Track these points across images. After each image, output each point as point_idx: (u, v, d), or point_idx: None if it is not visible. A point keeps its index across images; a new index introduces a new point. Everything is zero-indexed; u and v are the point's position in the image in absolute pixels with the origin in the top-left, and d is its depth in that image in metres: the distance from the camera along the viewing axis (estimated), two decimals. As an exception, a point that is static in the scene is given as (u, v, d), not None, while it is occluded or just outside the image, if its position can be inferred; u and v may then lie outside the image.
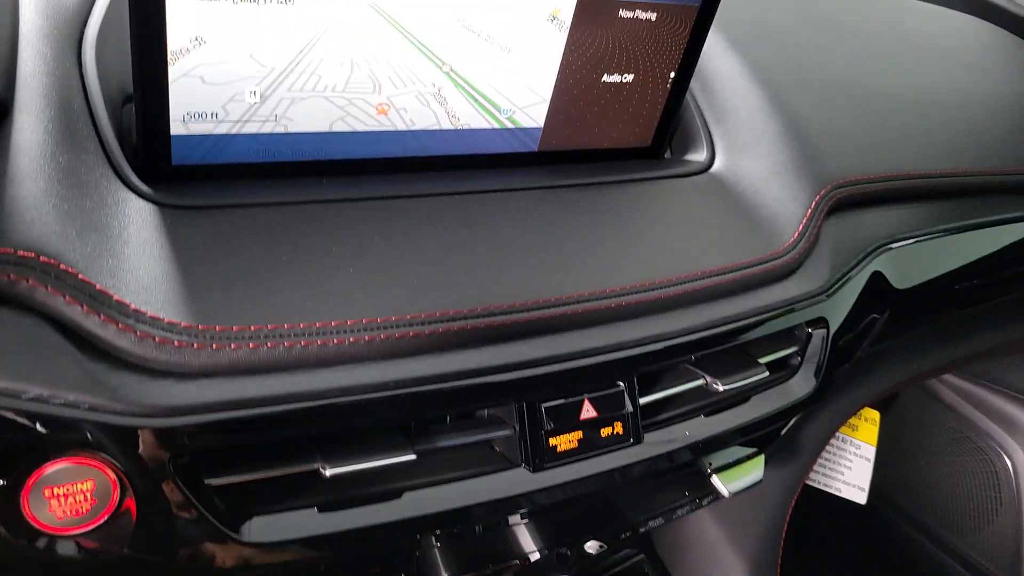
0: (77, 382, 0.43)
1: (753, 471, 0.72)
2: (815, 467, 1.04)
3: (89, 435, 0.43)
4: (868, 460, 1.03)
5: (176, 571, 0.48)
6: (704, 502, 0.74)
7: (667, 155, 0.80)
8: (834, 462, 1.04)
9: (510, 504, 0.55)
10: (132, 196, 0.51)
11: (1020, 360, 1.56)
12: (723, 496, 0.71)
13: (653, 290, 0.62)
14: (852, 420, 1.04)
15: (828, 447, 1.03)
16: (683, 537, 0.88)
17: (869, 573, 1.85)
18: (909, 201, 0.84)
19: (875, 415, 1.05)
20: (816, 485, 1.03)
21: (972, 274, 0.94)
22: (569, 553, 0.70)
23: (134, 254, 0.47)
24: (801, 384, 0.72)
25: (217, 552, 0.47)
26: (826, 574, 1.85)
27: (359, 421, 0.50)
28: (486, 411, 0.57)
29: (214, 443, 0.46)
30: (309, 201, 0.56)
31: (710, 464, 0.70)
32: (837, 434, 1.04)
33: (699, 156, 0.78)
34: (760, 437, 0.72)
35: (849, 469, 1.02)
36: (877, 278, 0.80)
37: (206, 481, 0.46)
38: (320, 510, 0.50)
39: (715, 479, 0.70)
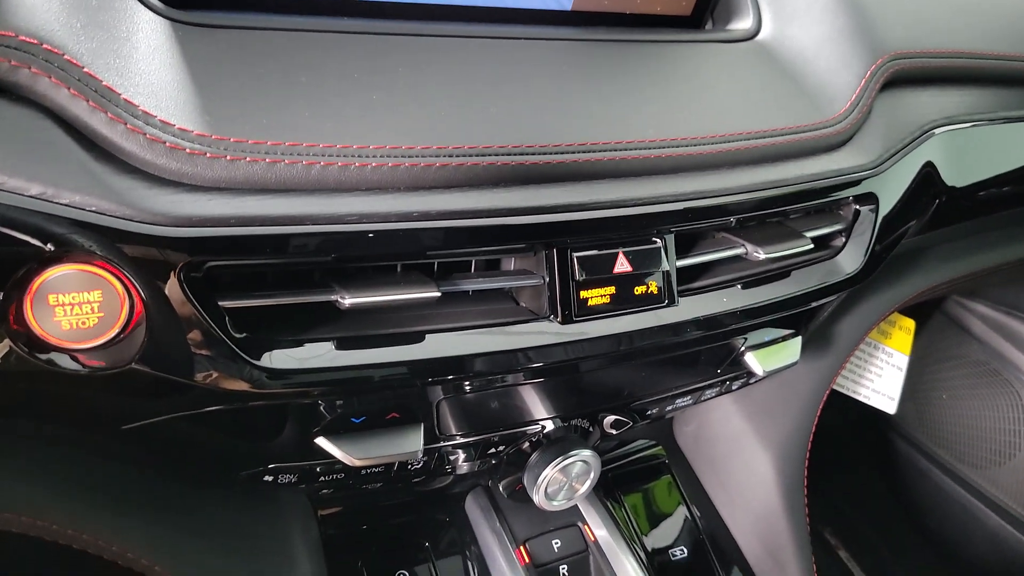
0: (81, 183, 0.40)
1: (789, 352, 0.68)
2: (845, 372, 1.00)
3: (95, 241, 0.40)
4: (900, 369, 1.00)
5: (183, 392, 0.45)
6: (735, 385, 0.71)
7: (708, 26, 0.75)
8: (865, 368, 1.01)
9: (536, 355, 0.53)
10: (142, 7, 0.47)
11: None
12: (756, 375, 0.68)
13: (695, 145, 0.58)
14: (885, 327, 1.01)
15: (860, 353, 1.00)
16: (707, 428, 0.86)
17: (885, 506, 1.84)
18: (969, 83, 0.79)
19: (910, 323, 1.02)
20: (845, 391, 1.00)
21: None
22: (591, 429, 0.68)
23: (143, 59, 0.43)
24: (846, 262, 0.68)
25: (227, 376, 0.44)
26: (842, 508, 1.84)
27: (380, 251, 0.46)
28: (514, 260, 0.54)
29: (228, 263, 0.43)
30: (333, 31, 0.52)
31: (745, 340, 0.66)
32: (869, 340, 1.00)
33: (744, 24, 0.73)
34: (798, 317, 0.69)
35: (880, 377, 0.99)
36: (929, 166, 0.76)
37: (220, 303, 0.43)
38: (338, 346, 0.47)
39: (749, 356, 0.67)
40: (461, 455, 0.60)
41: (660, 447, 0.88)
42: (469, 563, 0.73)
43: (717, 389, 0.70)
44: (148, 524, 0.53)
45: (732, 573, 0.82)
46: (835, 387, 1.00)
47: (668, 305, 0.57)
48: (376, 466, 0.55)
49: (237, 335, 0.44)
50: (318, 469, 0.54)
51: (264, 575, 0.60)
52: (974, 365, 1.68)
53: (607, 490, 0.79)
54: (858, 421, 1.92)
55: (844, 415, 1.97)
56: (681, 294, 0.59)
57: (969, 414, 1.69)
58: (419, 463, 0.58)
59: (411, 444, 0.52)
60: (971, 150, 0.81)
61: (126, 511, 0.52)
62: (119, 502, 0.52)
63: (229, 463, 0.53)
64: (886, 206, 0.70)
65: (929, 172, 0.74)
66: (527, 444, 0.66)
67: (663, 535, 0.82)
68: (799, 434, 0.80)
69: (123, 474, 0.53)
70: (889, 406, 1.00)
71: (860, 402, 1.90)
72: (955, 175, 0.79)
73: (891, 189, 0.70)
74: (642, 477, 0.85)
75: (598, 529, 0.74)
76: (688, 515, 0.84)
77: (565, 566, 0.71)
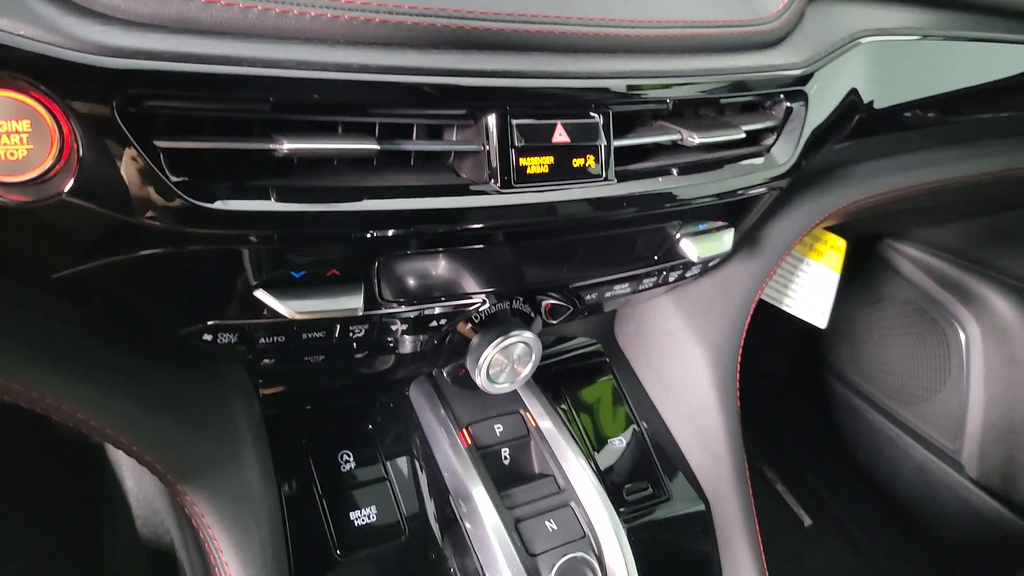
0: (10, 7, 0.39)
1: (721, 242, 0.71)
2: (777, 285, 1.04)
3: (23, 68, 0.39)
4: (831, 286, 1.04)
5: (117, 231, 0.45)
6: (672, 276, 0.74)
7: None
8: (796, 282, 1.05)
9: (475, 217, 0.54)
10: None
11: (977, 229, 1.59)
12: (691, 262, 0.71)
13: (633, 28, 0.59)
14: (819, 246, 1.05)
15: (792, 266, 1.04)
16: (646, 327, 0.89)
17: (822, 444, 1.93)
18: (897, 2, 0.82)
19: (841, 243, 1.06)
20: (776, 303, 1.04)
21: (955, 96, 0.93)
22: (533, 315, 0.70)
23: None
24: (776, 158, 0.70)
25: (162, 214, 0.44)
26: (781, 448, 1.92)
27: (318, 103, 0.47)
28: (456, 132, 0.55)
29: (164, 104, 0.43)
30: None
31: (680, 226, 0.69)
32: (803, 256, 1.04)
33: (686, -73, 0.74)
34: (730, 209, 0.71)
35: (811, 291, 1.03)
36: (856, 74, 0.79)
37: (156, 142, 0.43)
38: (277, 196, 0.47)
39: (684, 242, 0.69)
40: (402, 327, 0.61)
41: (600, 345, 0.90)
42: (413, 445, 0.74)
43: (655, 279, 0.73)
44: (91, 384, 0.53)
45: (668, 461, 0.85)
46: (767, 298, 1.04)
47: (605, 181, 0.59)
48: (316, 326, 0.56)
49: (174, 177, 0.44)
50: (258, 330, 0.54)
51: (208, 445, 0.60)
52: (903, 305, 1.76)
53: (549, 384, 0.81)
54: (799, 366, 2.00)
55: (786, 361, 2.05)
56: (619, 175, 0.60)
57: (899, 353, 1.77)
58: (361, 331, 0.59)
59: (351, 302, 0.53)
60: (895, 65, 0.84)
61: (71, 370, 0.52)
62: (61, 361, 0.52)
63: (169, 319, 0.53)
64: (815, 107, 0.73)
65: (856, 77, 0.77)
66: (469, 326, 0.67)
67: (603, 425, 0.85)
68: (732, 333, 0.84)
69: (63, 333, 0.53)
70: (820, 320, 1.04)
71: (801, 349, 1.97)
72: (879, 87, 0.83)
73: (820, 92, 0.73)
74: (583, 373, 0.88)
75: (540, 418, 0.76)
76: (627, 408, 0.87)
77: (507, 449, 0.74)
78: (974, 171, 1.02)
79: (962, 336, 1.67)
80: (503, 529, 0.67)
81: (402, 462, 0.73)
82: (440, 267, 0.58)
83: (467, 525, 0.69)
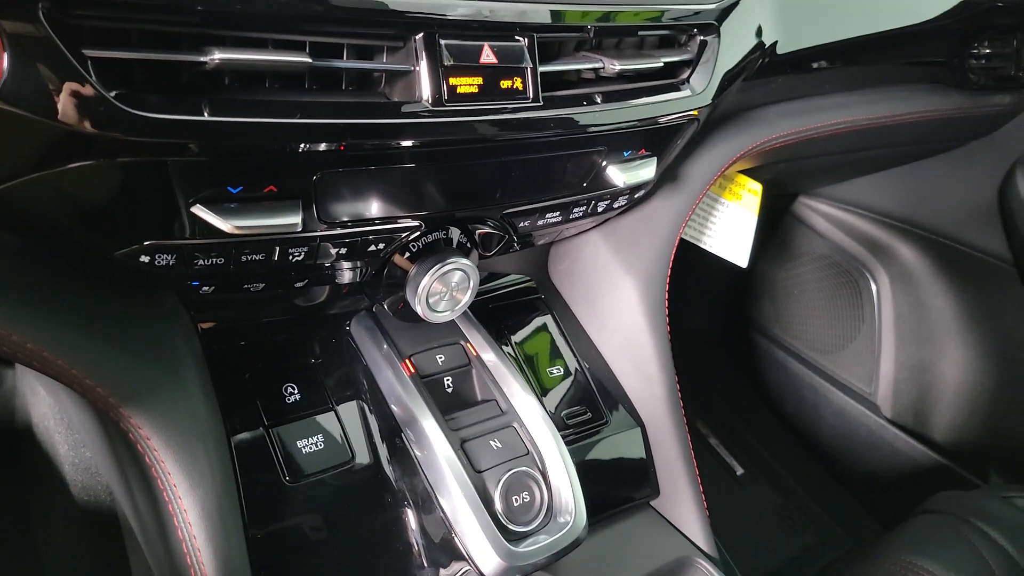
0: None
1: (645, 170, 0.75)
2: (697, 225, 1.10)
3: None
4: (750, 228, 1.10)
5: (46, 140, 0.45)
6: (600, 205, 0.77)
7: None
8: (718, 224, 1.10)
9: (408, 133, 0.55)
10: None
11: (883, 183, 1.69)
12: (619, 191, 0.74)
13: (559, -41, 0.62)
14: (736, 188, 1.11)
15: (714, 210, 1.09)
16: (578, 263, 0.92)
17: (750, 397, 2.02)
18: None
19: (758, 187, 1.12)
20: (696, 242, 1.09)
21: (861, 41, 0.99)
22: (468, 245, 0.72)
23: None
24: (693, 87, 0.75)
25: (91, 120, 0.44)
26: (714, 406, 2.00)
27: (247, 13, 0.47)
28: (385, 51, 0.56)
29: (93, 11, 0.43)
30: None
31: (605, 152, 0.72)
32: (720, 198, 1.10)
33: None
34: (653, 137, 0.75)
35: (731, 232, 1.09)
36: (767, 17, 0.84)
37: (85, 51, 0.43)
38: (211, 112, 0.48)
39: (611, 169, 0.73)
40: (341, 251, 0.62)
41: (533, 282, 0.93)
42: (357, 377, 0.75)
43: (584, 208, 0.76)
44: (27, 306, 0.53)
45: (605, 388, 0.89)
46: (689, 238, 1.09)
47: (532, 103, 0.61)
48: (255, 248, 0.56)
49: (105, 89, 0.44)
50: (197, 251, 0.54)
51: (151, 369, 0.60)
52: (819, 260, 1.85)
53: (488, 319, 0.83)
54: (727, 326, 2.08)
55: (714, 322, 2.13)
56: (546, 100, 0.63)
57: (817, 305, 1.87)
58: (300, 254, 0.59)
59: (289, 219, 0.54)
60: (803, 8, 0.90)
61: (5, 292, 0.52)
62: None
63: (105, 240, 0.52)
64: (727, 42, 0.78)
65: (765, 17, 0.82)
66: (407, 256, 0.69)
67: (541, 357, 0.88)
68: (659, 265, 0.88)
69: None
70: (741, 260, 1.10)
71: (728, 310, 2.05)
72: (786, 28, 0.88)
73: (732, 28, 0.78)
74: (520, 308, 0.91)
75: (480, 348, 0.78)
76: (564, 340, 0.91)
77: (449, 378, 0.76)
78: (882, 112, 1.10)
79: (873, 286, 1.78)
80: (449, 449, 0.69)
81: (347, 393, 0.74)
82: (376, 187, 0.60)
83: (414, 448, 0.71)
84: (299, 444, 0.68)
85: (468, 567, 0.68)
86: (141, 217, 0.52)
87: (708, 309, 2.11)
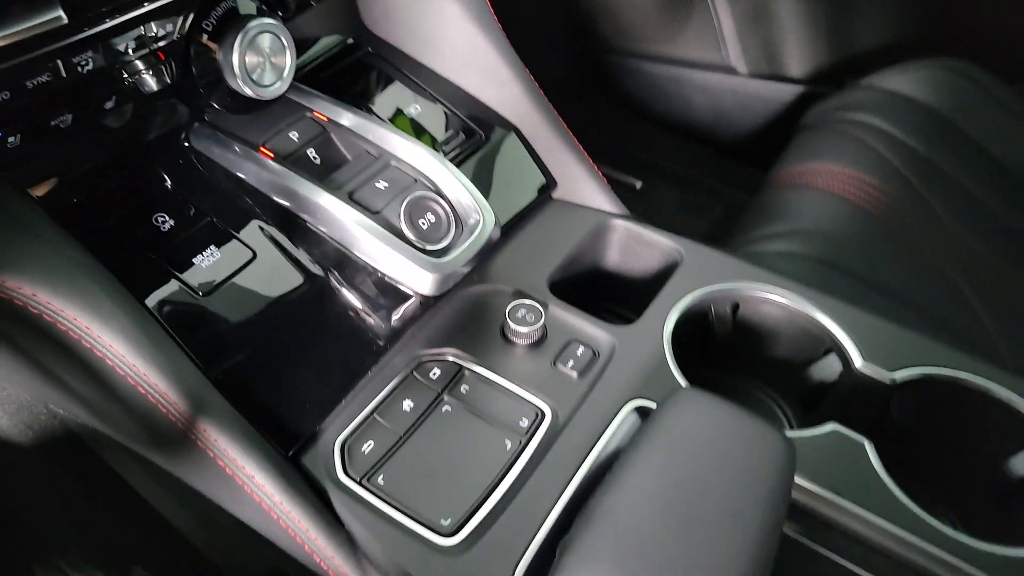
0: None
1: None
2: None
3: None
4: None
5: None
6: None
7: None
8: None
9: None
10: None
11: None
12: None
13: None
14: None
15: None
16: (390, 4, 0.89)
17: (624, 112, 2.04)
18: None
19: None
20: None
21: None
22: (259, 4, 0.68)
23: None
24: None
25: None
26: (590, 135, 2.03)
27: None
28: None
29: None
30: None
31: None
32: None
33: None
34: None
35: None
36: None
37: None
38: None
39: None
40: (131, 46, 0.57)
41: (352, 39, 0.90)
42: (220, 183, 0.73)
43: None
44: None
45: (464, 106, 0.89)
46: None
47: None
48: (36, 67, 0.52)
49: None
50: None
51: (12, 236, 0.57)
52: None
53: (324, 88, 0.80)
54: (577, 61, 2.06)
55: (564, 61, 2.11)
56: None
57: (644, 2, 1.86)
58: (88, 62, 0.55)
59: (51, 12, 0.49)
60: None
61: None
62: None
63: None
64: None
65: None
66: (206, 37, 0.65)
67: (393, 105, 0.87)
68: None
69: None
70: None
71: (572, 43, 2.02)
72: None
73: None
74: (352, 69, 0.88)
75: (328, 112, 0.76)
76: (409, 80, 0.89)
77: (311, 149, 0.74)
78: None
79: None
80: (341, 204, 0.69)
81: (219, 201, 0.72)
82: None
83: (306, 218, 0.70)
84: (196, 261, 0.67)
85: (409, 296, 0.71)
86: None
87: (550, 52, 2.09)
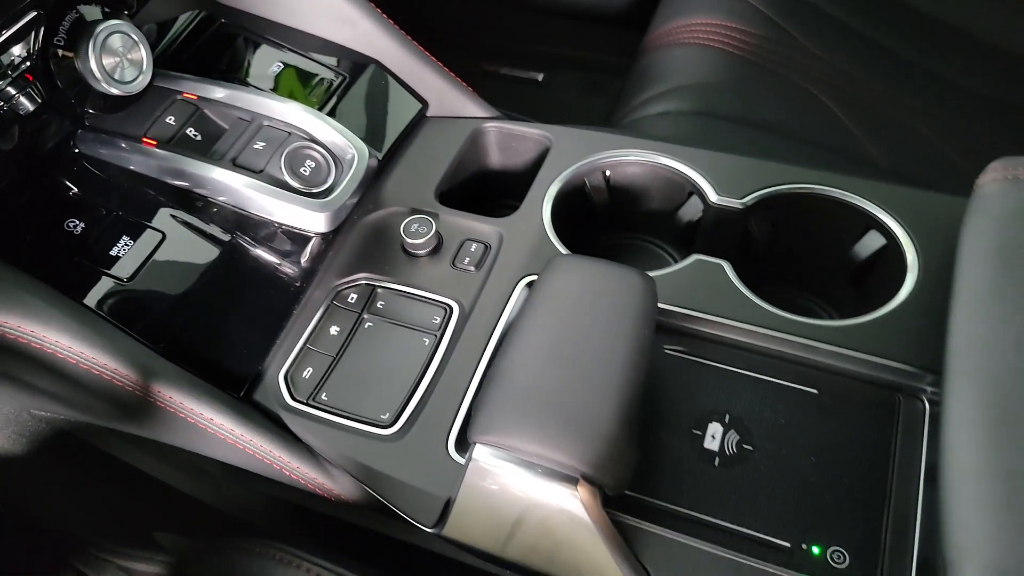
0: None
1: None
2: None
3: None
4: None
5: None
6: None
7: None
8: None
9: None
10: None
11: None
12: None
13: None
14: None
15: None
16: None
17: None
18: None
19: None
20: None
21: None
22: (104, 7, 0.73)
23: None
24: None
25: None
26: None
27: None
28: None
29: None
30: None
31: None
32: None
33: None
34: None
35: None
36: None
37: None
38: None
39: None
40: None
41: (206, 11, 0.95)
42: (114, 178, 0.80)
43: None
44: None
45: (325, 52, 0.95)
46: None
47: None
48: None
49: None
50: None
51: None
52: None
53: (189, 67, 0.86)
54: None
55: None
56: None
57: None
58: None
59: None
60: None
61: None
62: None
63: None
64: None
65: None
66: (60, 50, 0.70)
67: (250, 70, 0.93)
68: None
69: None
70: None
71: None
72: None
73: None
74: (211, 43, 0.93)
75: (197, 90, 0.82)
76: (273, 46, 0.94)
77: (190, 129, 0.80)
78: None
79: None
80: (227, 171, 0.76)
81: (119, 195, 0.79)
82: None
83: (201, 191, 0.78)
84: (112, 252, 0.75)
85: (310, 237, 0.79)
86: None
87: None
